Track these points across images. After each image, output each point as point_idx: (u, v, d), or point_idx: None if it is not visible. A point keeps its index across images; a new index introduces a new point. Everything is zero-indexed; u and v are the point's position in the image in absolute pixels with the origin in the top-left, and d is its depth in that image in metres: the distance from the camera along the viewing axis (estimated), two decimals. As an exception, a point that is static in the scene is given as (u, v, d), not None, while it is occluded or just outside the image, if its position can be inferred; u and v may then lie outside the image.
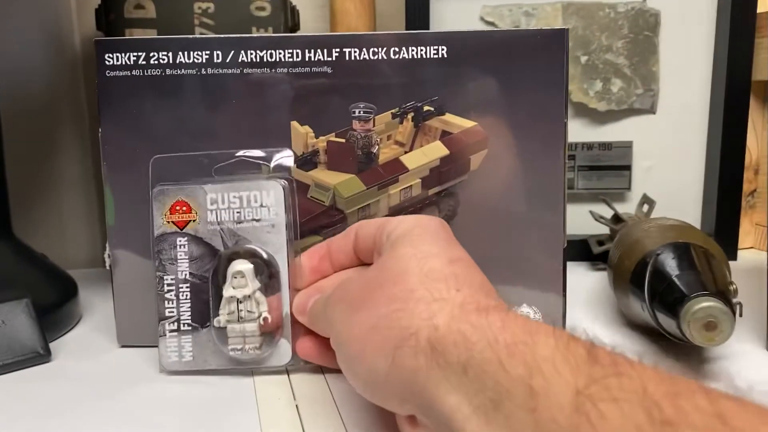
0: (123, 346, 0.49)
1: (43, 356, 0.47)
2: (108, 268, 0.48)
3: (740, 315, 0.42)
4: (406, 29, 0.68)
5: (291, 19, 0.64)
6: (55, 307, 0.52)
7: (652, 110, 0.72)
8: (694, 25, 0.70)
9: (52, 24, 0.69)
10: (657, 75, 0.71)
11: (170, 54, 0.46)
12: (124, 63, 0.46)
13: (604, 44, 0.70)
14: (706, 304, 0.39)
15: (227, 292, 0.43)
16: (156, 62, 0.46)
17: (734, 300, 0.42)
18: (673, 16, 0.70)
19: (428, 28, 0.68)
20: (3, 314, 0.46)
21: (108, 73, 0.46)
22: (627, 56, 0.70)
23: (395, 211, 0.47)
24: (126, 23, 0.61)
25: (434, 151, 0.47)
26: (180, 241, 0.44)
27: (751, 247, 0.75)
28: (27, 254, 0.54)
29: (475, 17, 0.70)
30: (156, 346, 0.46)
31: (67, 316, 0.53)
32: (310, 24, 0.74)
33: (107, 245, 0.48)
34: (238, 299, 0.43)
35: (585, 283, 0.63)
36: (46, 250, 0.57)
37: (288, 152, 0.46)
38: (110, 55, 0.46)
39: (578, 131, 0.71)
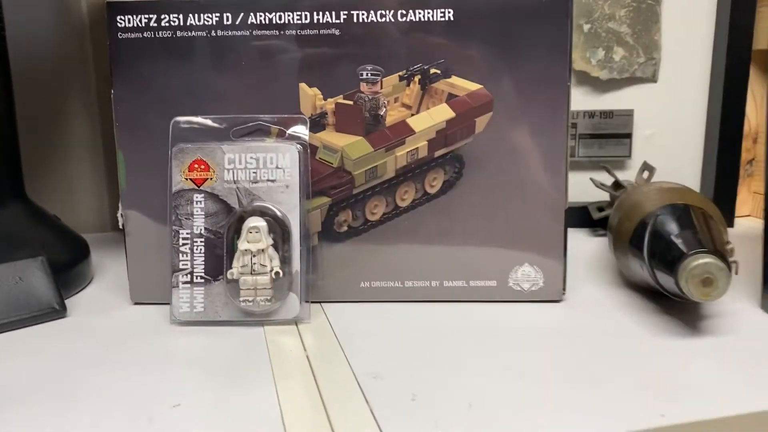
0: (136, 303, 0.51)
1: (59, 311, 0.48)
2: (121, 227, 0.49)
3: (736, 273, 0.43)
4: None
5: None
6: (68, 266, 0.53)
7: (653, 79, 0.72)
8: (696, -6, 0.70)
9: (59, -10, 0.70)
10: (659, 44, 0.71)
11: (181, 16, 0.47)
12: (135, 25, 0.47)
13: (607, 12, 0.70)
14: (703, 260, 0.40)
15: (242, 245, 0.44)
16: (167, 24, 0.47)
17: (731, 259, 0.43)
18: (676, -16, 0.70)
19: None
20: (20, 271, 0.48)
21: (120, 35, 0.47)
22: (629, 25, 0.71)
23: (402, 173, 0.48)
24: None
25: (440, 113, 0.47)
26: (197, 197, 0.45)
27: (749, 215, 0.76)
28: (40, 215, 0.55)
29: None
30: (167, 304, 0.48)
31: (80, 276, 0.54)
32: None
33: (120, 206, 0.49)
34: (252, 253, 0.44)
35: (585, 248, 0.64)
36: (55, 213, 0.58)
37: (304, 119, 0.47)
38: (122, 17, 0.47)
39: (580, 99, 0.72)
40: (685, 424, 0.32)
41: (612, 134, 0.73)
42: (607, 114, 0.72)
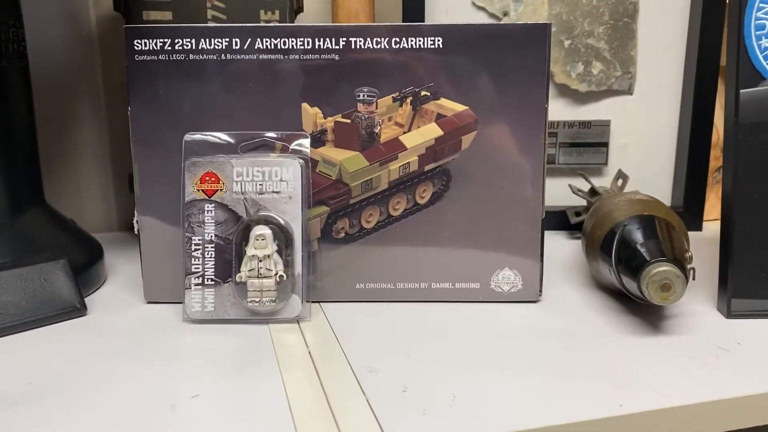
0: (149, 302, 0.55)
1: (80, 310, 0.52)
2: (136, 232, 0.54)
3: (693, 279, 0.48)
4: (403, 10, 0.73)
5: (296, 2, 0.69)
6: (85, 267, 0.57)
7: (629, 91, 0.77)
8: (669, 14, 0.75)
9: (69, 3, 0.74)
10: (635, 59, 0.76)
11: (193, 41, 0.51)
12: (151, 48, 0.51)
13: (586, 29, 0.75)
14: (662, 268, 0.45)
15: (250, 251, 0.49)
16: (180, 48, 0.51)
17: (689, 266, 0.48)
18: (651, 4, 0.75)
19: (423, 10, 0.73)
20: (44, 273, 0.52)
21: (137, 57, 0.51)
22: (607, 41, 0.76)
23: (395, 185, 0.53)
24: (143, 5, 0.65)
25: (430, 131, 0.52)
26: (208, 207, 0.50)
27: (716, 219, 0.81)
28: (58, 219, 0.59)
29: (468, 1, 0.75)
30: (179, 302, 0.52)
31: (95, 276, 0.59)
32: (314, 5, 0.79)
33: (135, 212, 0.54)
34: (258, 258, 0.49)
35: (562, 250, 0.69)
36: (65, 214, 0.63)
37: (305, 136, 0.51)
38: (139, 41, 0.51)
39: (560, 110, 0.77)
40: (638, 413, 0.37)
41: (590, 143, 0.78)
42: (586, 124, 0.77)
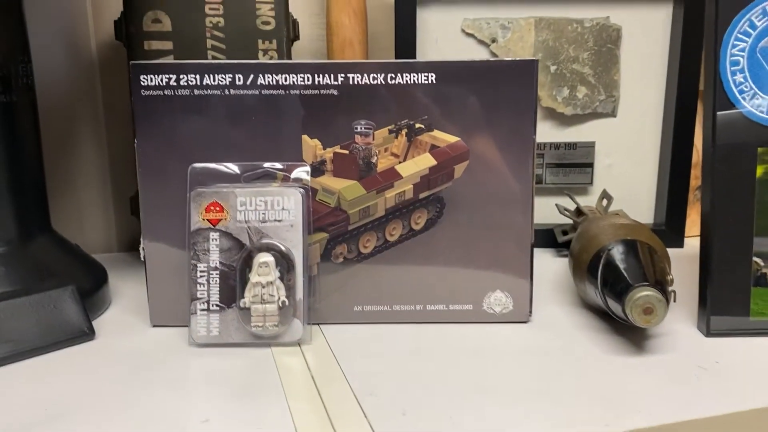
0: (154, 326, 0.57)
1: (88, 335, 0.54)
2: (142, 259, 0.56)
3: (674, 301, 0.51)
4: (395, 39, 0.76)
5: (292, 31, 0.72)
6: (91, 292, 0.59)
7: (613, 114, 0.80)
8: (651, 40, 0.79)
9: (71, 32, 0.76)
10: (618, 83, 0.79)
11: (198, 76, 0.53)
12: (157, 84, 0.53)
13: (572, 55, 0.78)
14: (645, 293, 0.48)
15: (253, 278, 0.51)
16: (185, 83, 0.53)
17: (670, 289, 0.51)
18: (633, 31, 0.78)
19: (415, 37, 0.76)
20: (53, 300, 0.54)
21: (143, 92, 0.53)
22: (591, 66, 0.79)
23: (391, 212, 0.55)
24: (145, 35, 0.67)
25: (424, 161, 0.55)
26: (213, 235, 0.52)
27: (697, 235, 0.85)
28: (65, 245, 0.61)
29: (457, 29, 0.78)
30: (183, 326, 0.55)
31: (101, 300, 0.61)
32: (307, 31, 0.81)
33: (141, 239, 0.56)
34: (262, 285, 0.51)
35: (550, 268, 0.72)
36: (65, 236, 0.64)
37: (306, 166, 0.54)
38: (145, 77, 0.53)
39: (547, 132, 0.80)
40: (624, 432, 0.40)
41: (576, 163, 0.81)
42: (571, 146, 0.80)
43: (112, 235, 0.81)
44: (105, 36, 0.77)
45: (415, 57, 0.76)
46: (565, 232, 0.77)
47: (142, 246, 0.56)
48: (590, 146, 0.80)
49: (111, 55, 0.77)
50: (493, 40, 0.78)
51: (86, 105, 0.77)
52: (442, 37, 0.78)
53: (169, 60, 0.67)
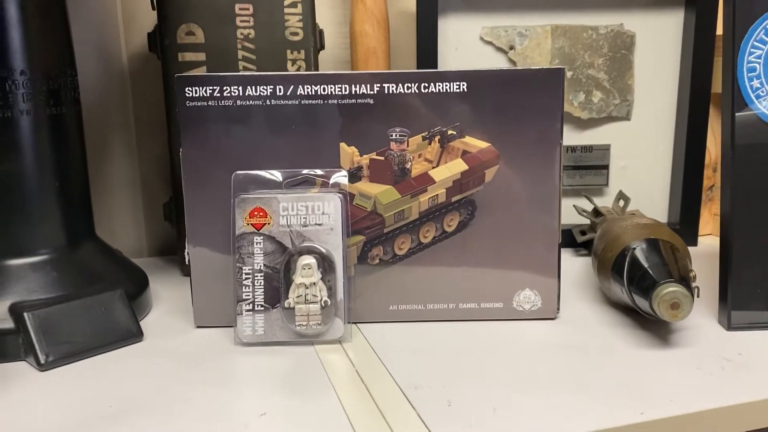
0: (198, 327, 0.60)
1: (137, 336, 0.57)
2: (187, 263, 0.58)
3: (698, 296, 0.54)
4: (417, 47, 0.78)
5: (319, 41, 0.74)
6: (136, 295, 0.61)
7: (627, 117, 0.83)
8: (663, 46, 0.81)
9: (103, 43, 0.78)
10: (632, 87, 0.82)
11: (240, 88, 0.56)
12: (201, 95, 0.56)
13: (587, 61, 0.81)
14: (671, 288, 0.51)
15: (297, 279, 0.54)
16: (228, 95, 0.56)
17: (693, 285, 0.54)
18: (647, 37, 0.81)
19: (436, 46, 0.78)
20: (104, 303, 0.56)
21: (188, 103, 0.56)
22: (606, 71, 0.81)
23: (424, 215, 0.58)
24: (179, 48, 0.70)
25: (456, 166, 0.57)
26: (257, 239, 0.55)
27: (710, 234, 0.87)
28: (109, 251, 0.64)
29: (476, 36, 0.81)
30: (227, 326, 0.57)
31: (144, 303, 0.63)
32: (332, 41, 0.84)
33: (186, 244, 0.58)
34: (305, 285, 0.53)
35: (571, 267, 0.75)
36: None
37: (343, 172, 0.56)
38: (189, 89, 0.56)
39: (564, 136, 0.83)
40: (659, 420, 0.43)
41: (591, 166, 0.83)
42: (587, 148, 0.83)
43: (143, 240, 0.84)
44: (136, 47, 0.79)
45: (436, 65, 0.78)
46: (583, 232, 0.80)
47: (186, 251, 0.58)
48: (606, 149, 0.83)
49: (142, 66, 0.80)
50: (511, 47, 0.80)
51: (118, 114, 0.80)
52: (461, 45, 0.80)
53: (202, 70, 0.69)
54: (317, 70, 0.73)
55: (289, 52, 0.72)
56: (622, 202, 0.78)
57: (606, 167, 0.84)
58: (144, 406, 0.46)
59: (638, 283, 0.54)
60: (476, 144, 0.57)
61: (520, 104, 0.56)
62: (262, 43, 0.71)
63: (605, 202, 0.84)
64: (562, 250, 0.81)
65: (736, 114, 0.55)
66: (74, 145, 0.60)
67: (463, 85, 0.56)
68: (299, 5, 0.71)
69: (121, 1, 0.78)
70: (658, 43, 0.81)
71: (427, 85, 0.56)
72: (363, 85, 0.56)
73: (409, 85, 0.56)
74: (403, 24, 0.85)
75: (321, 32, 0.75)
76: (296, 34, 0.72)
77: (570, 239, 0.81)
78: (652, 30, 0.81)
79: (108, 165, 0.81)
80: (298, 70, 0.71)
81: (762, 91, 0.55)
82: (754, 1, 0.54)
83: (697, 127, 0.81)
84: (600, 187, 0.84)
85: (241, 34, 0.71)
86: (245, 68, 0.70)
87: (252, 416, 0.44)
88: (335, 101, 0.56)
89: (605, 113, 0.82)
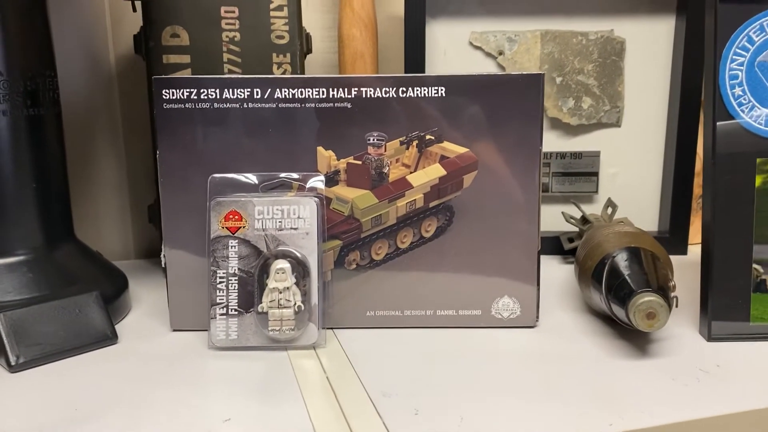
0: (174, 330, 0.59)
1: (111, 339, 0.57)
2: (163, 266, 0.58)
3: (676, 306, 0.53)
4: (405, 51, 0.78)
5: (305, 45, 0.74)
6: (113, 297, 0.61)
7: (617, 124, 0.82)
8: (654, 52, 0.80)
9: (90, 45, 0.78)
10: (622, 94, 0.81)
11: (217, 90, 0.55)
12: (178, 97, 0.56)
13: (577, 67, 0.80)
14: (648, 298, 0.50)
15: (271, 284, 0.53)
16: (205, 97, 0.56)
17: (672, 295, 0.53)
18: (637, 43, 0.80)
19: (424, 50, 0.78)
20: (78, 305, 0.56)
21: (165, 105, 0.56)
22: (596, 77, 0.81)
23: (402, 220, 0.58)
24: (163, 50, 0.69)
25: (434, 171, 0.57)
26: (231, 243, 0.54)
27: (700, 243, 0.86)
28: (87, 253, 0.64)
29: (465, 41, 0.80)
30: (202, 330, 0.57)
31: (122, 306, 0.63)
32: (319, 44, 0.84)
33: (162, 247, 0.58)
34: (279, 290, 0.53)
35: (556, 274, 0.74)
36: (85, 243, 0.67)
37: (320, 176, 0.56)
38: (167, 91, 0.56)
39: (553, 142, 0.82)
40: (629, 431, 0.42)
41: (581, 172, 0.83)
42: (577, 155, 0.82)
43: (129, 243, 0.83)
44: (123, 49, 0.79)
45: (424, 69, 0.78)
46: (571, 240, 0.79)
47: (163, 253, 0.58)
48: (595, 155, 0.82)
49: (129, 67, 0.80)
50: (500, 53, 0.80)
51: (105, 116, 0.80)
52: (450, 50, 0.80)
53: (186, 73, 0.69)
54: (303, 73, 0.72)
55: (274, 55, 0.72)
56: (610, 210, 0.77)
57: (596, 174, 0.83)
58: (109, 410, 0.46)
59: (616, 292, 0.53)
60: (455, 149, 0.57)
61: (500, 110, 0.56)
62: (247, 46, 0.71)
63: (595, 209, 0.83)
64: (550, 257, 0.80)
65: (718, 123, 0.54)
66: (53, 146, 0.60)
67: (442, 90, 0.55)
68: (285, 8, 0.71)
69: (110, 3, 0.78)
70: (649, 50, 0.80)
71: (405, 89, 0.55)
72: (341, 89, 0.55)
73: (387, 89, 0.55)
74: (392, 28, 0.85)
75: (308, 36, 0.75)
76: (282, 37, 0.72)
77: (558, 247, 0.80)
78: (643, 36, 0.80)
79: (94, 167, 0.81)
80: (283, 73, 0.71)
81: (744, 99, 0.54)
82: (736, 9, 0.54)
83: (687, 134, 0.80)
84: (590, 194, 0.84)
85: (227, 36, 0.71)
86: (230, 71, 0.70)
87: (216, 422, 0.44)
88: (313, 105, 0.56)
89: (595, 120, 0.82)
